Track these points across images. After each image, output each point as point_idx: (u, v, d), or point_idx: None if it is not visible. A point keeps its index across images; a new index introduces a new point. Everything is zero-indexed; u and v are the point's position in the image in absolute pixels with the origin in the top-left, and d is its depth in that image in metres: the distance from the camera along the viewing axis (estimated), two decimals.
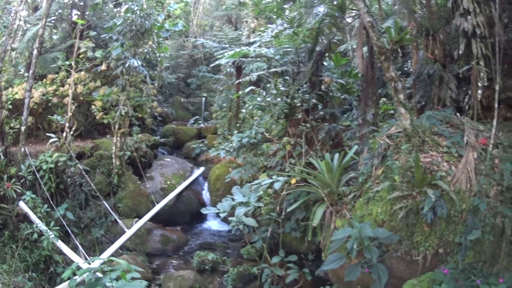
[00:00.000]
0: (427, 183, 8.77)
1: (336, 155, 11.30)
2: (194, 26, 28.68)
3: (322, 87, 13.84)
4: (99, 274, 6.28)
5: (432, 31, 11.72)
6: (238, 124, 16.65)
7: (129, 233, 13.26)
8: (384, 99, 13.50)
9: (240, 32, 22.67)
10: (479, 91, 10.17)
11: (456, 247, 8.51)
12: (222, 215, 11.64)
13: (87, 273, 6.21)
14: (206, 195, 17.09)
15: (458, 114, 10.67)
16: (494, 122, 9.63)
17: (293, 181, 11.49)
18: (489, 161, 9.14)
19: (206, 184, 17.33)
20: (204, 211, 12.64)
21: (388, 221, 9.01)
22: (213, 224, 16.20)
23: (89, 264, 7.26)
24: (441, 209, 8.42)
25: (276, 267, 11.14)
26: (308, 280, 10.99)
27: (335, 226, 9.87)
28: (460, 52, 10.30)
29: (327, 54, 13.93)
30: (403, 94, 9.98)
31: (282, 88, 13.30)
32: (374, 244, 8.63)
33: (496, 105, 9.74)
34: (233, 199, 11.75)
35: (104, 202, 14.46)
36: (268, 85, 14.57)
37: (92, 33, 17.54)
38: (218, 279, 12.04)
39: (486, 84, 10.08)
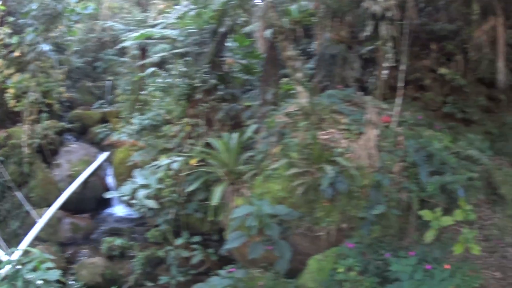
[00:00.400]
0: (325, 160, 8.82)
1: (234, 135, 11.25)
2: (104, 9, 28.08)
3: (224, 67, 13.79)
4: (19, 266, 6.22)
5: (341, 13, 11.82)
6: (139, 107, 16.36)
7: (41, 223, 12.94)
8: (286, 79, 13.55)
9: (147, 14, 22.34)
10: (385, 72, 10.33)
11: (360, 222, 8.63)
12: (124, 198, 11.71)
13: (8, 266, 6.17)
14: (111, 180, 16.70)
15: (362, 93, 10.81)
16: (397, 101, 9.90)
17: (192, 161, 11.34)
18: (392, 138, 9.33)
19: (110, 169, 16.97)
20: (107, 195, 12.84)
21: (288, 198, 8.99)
22: (119, 209, 15.80)
23: (8, 256, 7.13)
24: (341, 184, 8.49)
25: (181, 249, 11.21)
26: (214, 260, 11.10)
27: (235, 205, 9.77)
28: (368, 34, 10.45)
29: (231, 35, 13.86)
30: (302, 73, 10.04)
31: (183, 69, 13.12)
32: (275, 221, 8.61)
33: (400, 85, 10.02)
34: (135, 182, 11.68)
35: (17, 192, 14.14)
36: (170, 66, 14.37)
37: (11, 18, 16.94)
38: (128, 264, 11.92)
39: (393, 65, 10.28)
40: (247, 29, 13.25)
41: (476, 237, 8.38)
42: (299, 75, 9.84)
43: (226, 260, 10.40)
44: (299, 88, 9.79)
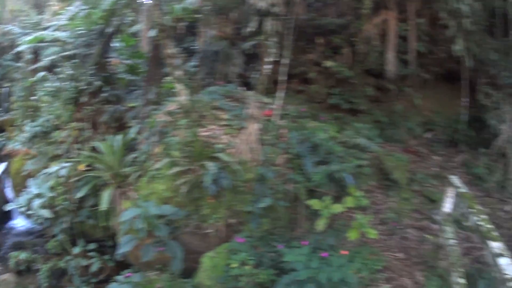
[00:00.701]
0: (207, 156, 8.76)
1: (118, 137, 11.08)
2: (6, 12, 27.36)
3: (110, 68, 13.55)
4: None
5: (226, 9, 11.81)
6: (31, 113, 15.91)
7: None
8: (170, 77, 13.54)
9: (43, 16, 21.87)
10: (268, 66, 10.44)
11: (248, 216, 8.61)
12: (22, 210, 11.46)
13: None
14: (10, 192, 16.17)
15: (245, 89, 10.83)
16: (279, 94, 9.98)
17: (81, 167, 11.02)
18: (275, 131, 9.37)
19: (9, 180, 16.43)
20: (5, 208, 12.46)
21: (173, 197, 8.89)
22: (20, 221, 15.28)
23: None
24: (225, 180, 8.45)
25: (79, 258, 10.93)
26: (112, 266, 10.87)
27: (123, 208, 9.54)
28: (252, 29, 10.49)
29: (118, 35, 13.55)
30: (181, 71, 10.05)
31: (70, 72, 12.79)
32: (163, 222, 8.49)
33: (283, 79, 10.13)
34: (29, 192, 11.42)
35: None
36: (59, 69, 14.02)
37: None
38: (36, 278, 11.52)
39: (277, 59, 10.45)
40: (134, 28, 13.08)
41: (371, 221, 8.63)
42: (178, 73, 9.84)
43: (123, 265, 10.20)
44: (179, 86, 9.75)
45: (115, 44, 13.89)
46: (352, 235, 7.68)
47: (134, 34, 13.56)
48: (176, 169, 8.80)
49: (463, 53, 11.45)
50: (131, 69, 14.26)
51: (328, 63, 11.69)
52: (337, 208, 8.00)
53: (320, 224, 7.91)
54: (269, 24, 10.16)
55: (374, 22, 11.70)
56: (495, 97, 11.99)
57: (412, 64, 12.07)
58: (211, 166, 8.43)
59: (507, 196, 11.10)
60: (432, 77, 12.87)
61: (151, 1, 10.55)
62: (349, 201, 8.09)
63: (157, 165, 9.22)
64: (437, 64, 12.85)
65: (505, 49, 12.09)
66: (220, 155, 8.70)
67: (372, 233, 7.65)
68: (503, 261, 4.47)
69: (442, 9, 11.42)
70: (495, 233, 5.31)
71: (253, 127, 9.18)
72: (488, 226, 5.59)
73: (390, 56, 11.62)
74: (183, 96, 9.65)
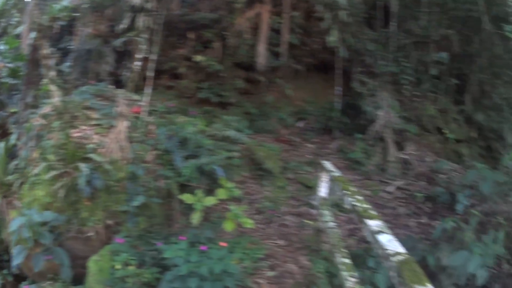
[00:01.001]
0: (80, 158, 8.81)
1: (1, 144, 10.86)
2: None
3: None
4: None
5: (102, 7, 11.84)
6: None
7: None
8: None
9: None
10: (138, 63, 10.54)
11: (124, 215, 8.69)
12: None
13: None
14: None
15: (115, 87, 10.96)
16: (146, 91, 10.11)
17: None
18: (143, 128, 9.51)
19: None
20: None
21: (53, 203, 8.83)
22: None
23: None
24: (97, 181, 8.52)
25: None
26: (11, 281, 10.61)
27: (11, 218, 9.44)
28: (125, 26, 10.58)
29: (3, 38, 13.43)
30: (55, 71, 10.17)
31: None
32: (46, 229, 8.47)
33: (150, 75, 10.23)
34: None
35: None
36: None
37: None
38: None
39: (147, 55, 10.46)
40: (18, 30, 13.00)
41: (247, 211, 8.90)
42: (52, 73, 9.91)
43: (21, 278, 10.06)
44: (52, 87, 9.77)
45: (0, 47, 13.68)
46: (228, 226, 7.93)
47: (18, 36, 13.47)
48: (52, 173, 8.80)
49: (337, 44, 11.93)
50: (13, 73, 13.95)
51: (198, 58, 11.95)
52: (210, 200, 8.22)
53: (195, 218, 8.11)
54: (141, 20, 10.39)
55: (247, 16, 12.03)
56: (371, 85, 12.55)
57: (284, 56, 12.48)
58: (84, 167, 8.52)
59: (387, 177, 11.66)
60: (305, 68, 13.37)
61: (31, 1, 10.58)
62: (221, 193, 8.36)
63: (36, 171, 9.16)
64: (310, 55, 13.36)
65: (384, 40, 12.65)
66: (92, 155, 8.79)
67: (249, 223, 7.96)
68: (383, 238, 4.54)
69: (318, 2, 11.87)
70: (372, 212, 5.45)
71: (122, 125, 9.32)
72: (364, 205, 5.74)
73: (261, 49, 11.99)
74: (56, 98, 9.68)
